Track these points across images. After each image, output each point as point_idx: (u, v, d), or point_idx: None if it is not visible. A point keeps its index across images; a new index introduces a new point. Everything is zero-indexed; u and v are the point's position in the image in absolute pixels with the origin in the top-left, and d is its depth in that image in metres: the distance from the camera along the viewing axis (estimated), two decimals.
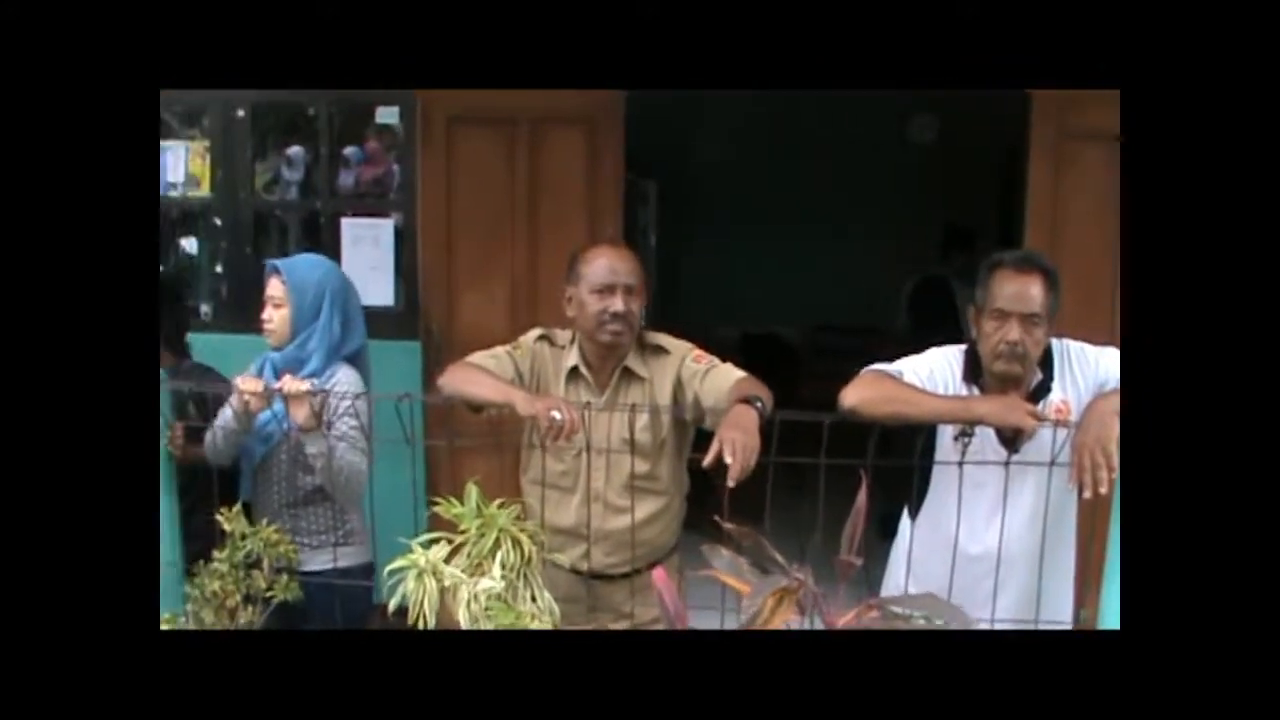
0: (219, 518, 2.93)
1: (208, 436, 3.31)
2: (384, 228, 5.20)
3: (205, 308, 5.40)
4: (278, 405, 3.17)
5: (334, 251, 5.20)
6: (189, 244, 5.66)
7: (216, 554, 2.90)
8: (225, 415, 3.25)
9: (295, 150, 5.50)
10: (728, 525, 2.38)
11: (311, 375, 3.24)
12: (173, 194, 5.55)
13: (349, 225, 5.24)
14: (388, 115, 5.23)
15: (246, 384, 3.09)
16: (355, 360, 3.40)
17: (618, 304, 3.05)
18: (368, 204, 5.34)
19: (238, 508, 2.95)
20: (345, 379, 3.29)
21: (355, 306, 3.44)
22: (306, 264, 3.46)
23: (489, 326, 4.93)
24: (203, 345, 4.02)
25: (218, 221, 5.46)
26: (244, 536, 2.92)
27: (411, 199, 5.16)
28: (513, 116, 4.94)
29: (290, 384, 3.08)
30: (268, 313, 3.35)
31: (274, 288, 3.34)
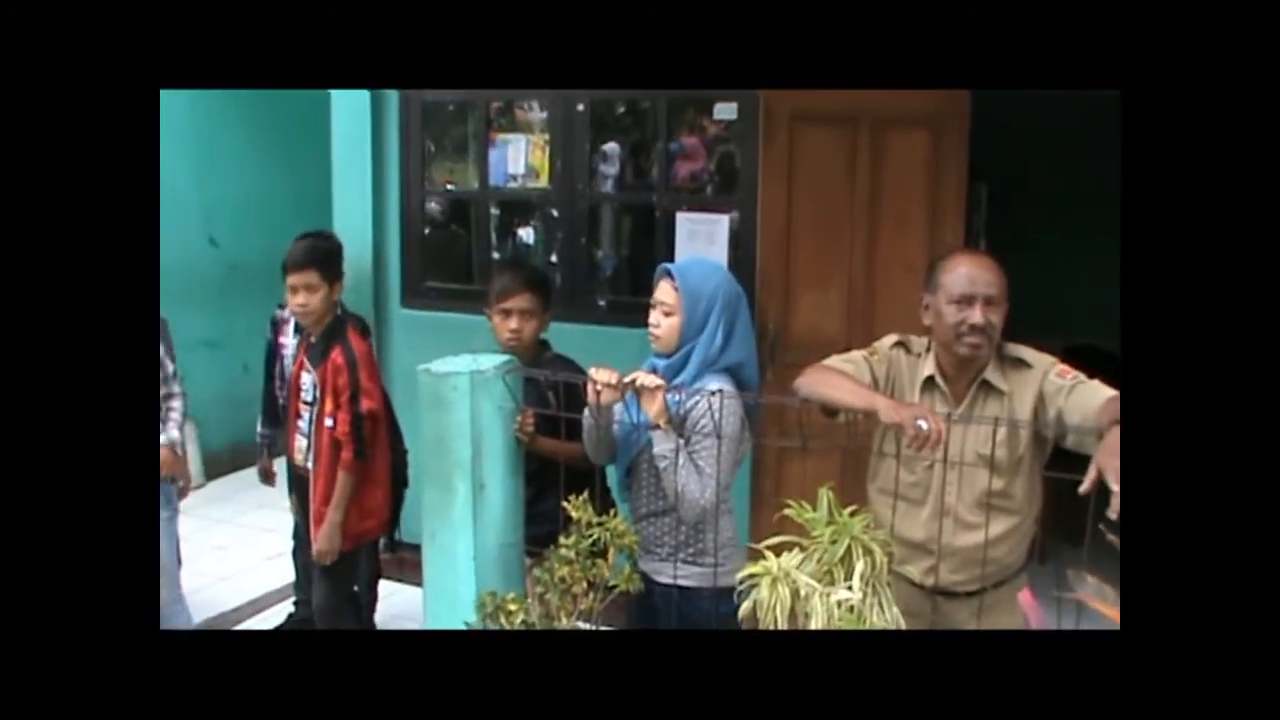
0: (566, 505, 2.97)
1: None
2: (719, 223, 5.19)
3: None
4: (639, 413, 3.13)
5: (667, 245, 5.24)
6: (526, 234, 5.83)
7: (563, 540, 2.94)
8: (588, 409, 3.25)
9: (611, 146, 5.60)
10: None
11: (681, 385, 3.12)
12: (512, 185, 5.74)
13: (684, 220, 5.26)
14: (726, 111, 5.22)
15: (600, 374, 3.08)
16: (736, 374, 3.22)
17: (976, 316, 2.93)
18: (704, 199, 5.35)
19: (584, 496, 2.98)
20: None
21: (743, 319, 3.26)
22: (702, 270, 3.30)
23: (825, 328, 4.89)
24: None
25: (554, 213, 5.60)
26: (590, 525, 2.95)
27: (750, 196, 5.13)
28: (855, 116, 4.85)
29: (644, 377, 3.07)
30: (655, 318, 3.24)
31: (664, 293, 3.23)
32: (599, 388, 3.08)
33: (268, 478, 5.12)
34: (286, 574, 5.34)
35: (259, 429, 5.11)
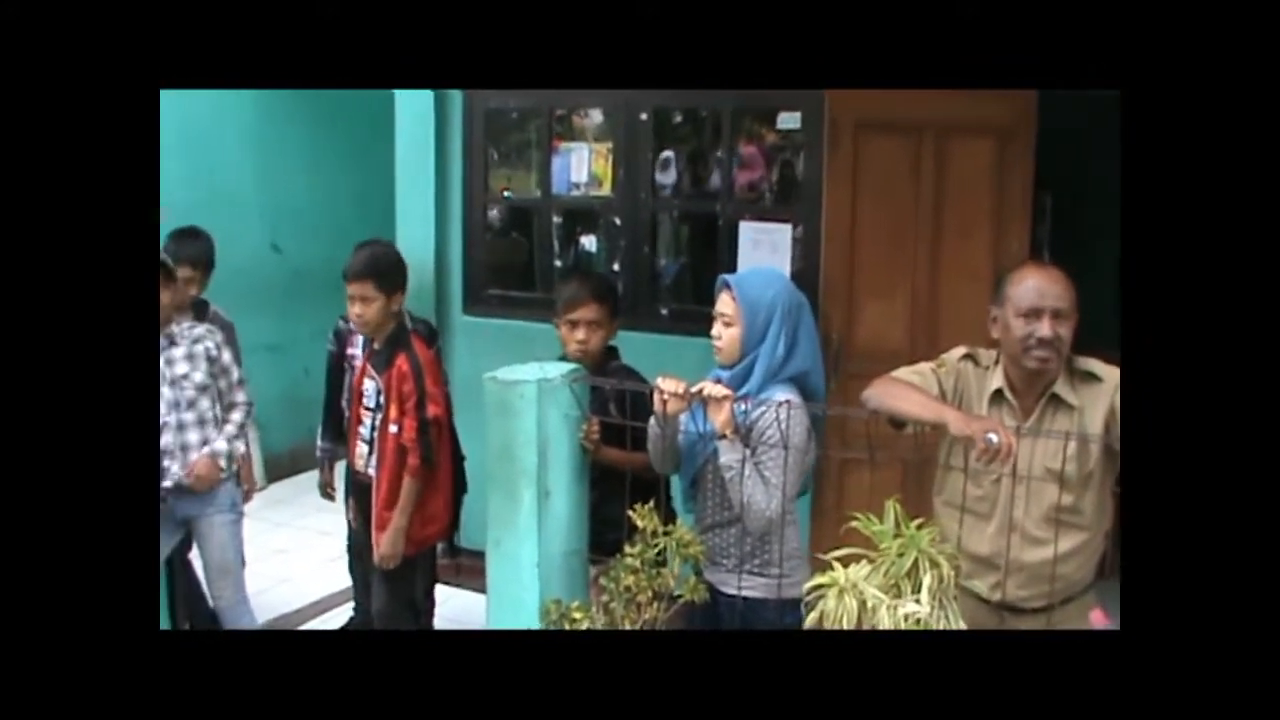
0: (631, 514, 2.97)
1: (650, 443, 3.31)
2: (782, 233, 5.16)
3: None
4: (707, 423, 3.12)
5: (730, 254, 5.24)
6: (588, 242, 5.84)
7: (628, 549, 2.94)
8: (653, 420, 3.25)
9: (666, 155, 5.59)
10: None
11: (746, 395, 3.11)
12: (575, 193, 5.75)
13: (747, 229, 5.24)
14: (789, 121, 5.20)
15: (666, 384, 3.08)
16: (802, 383, 3.20)
17: (1044, 329, 2.90)
18: (767, 208, 5.33)
19: (649, 505, 2.98)
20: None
21: (806, 327, 3.24)
22: (760, 281, 3.28)
23: (888, 337, 4.87)
24: None
25: (617, 221, 5.61)
26: (655, 534, 2.95)
27: (813, 205, 5.10)
28: (920, 124, 4.81)
29: (710, 387, 3.07)
30: (716, 329, 3.24)
31: (724, 304, 3.22)
32: (665, 397, 3.08)
33: (328, 492, 5.14)
34: (347, 577, 5.37)
35: (319, 443, 5.11)
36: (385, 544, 4.28)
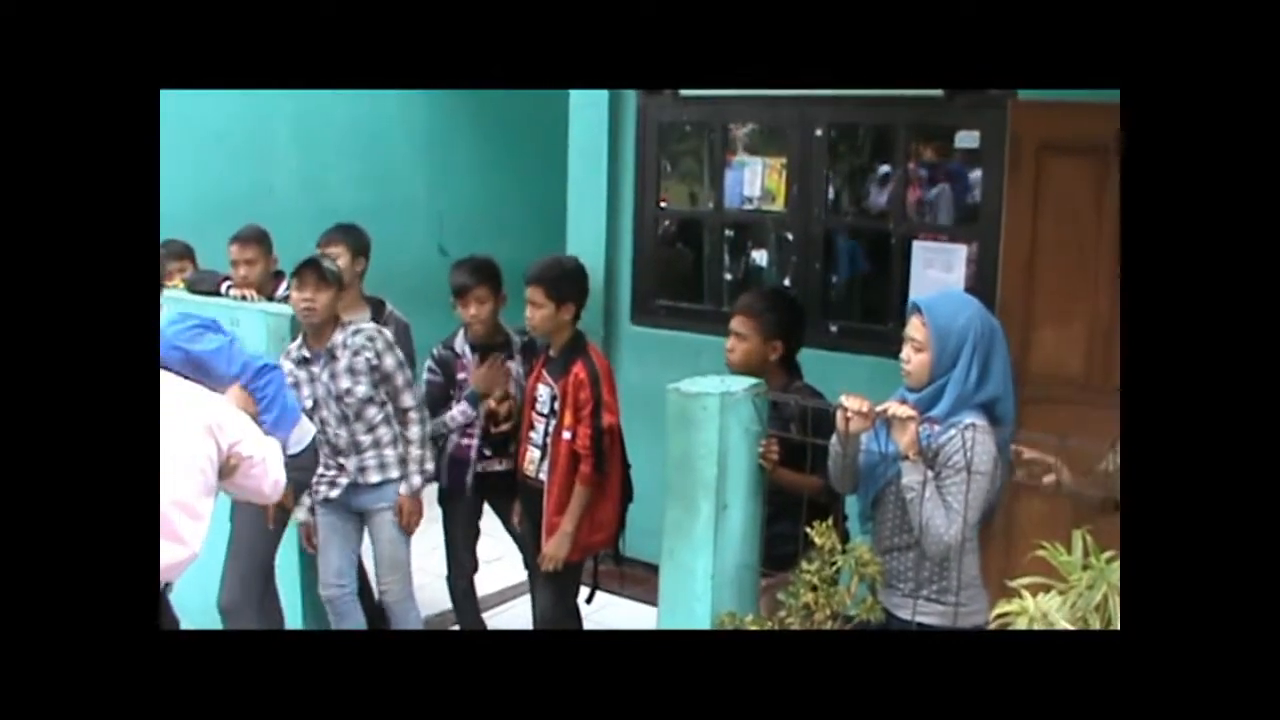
0: (809, 531, 2.97)
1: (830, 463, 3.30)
2: (956, 253, 5.11)
3: None
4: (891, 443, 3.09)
5: (903, 273, 5.20)
6: (759, 256, 5.85)
7: (805, 565, 2.94)
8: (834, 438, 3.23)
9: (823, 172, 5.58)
10: None
11: (932, 417, 3.05)
12: (747, 207, 5.79)
13: (920, 248, 5.20)
14: (968, 140, 5.14)
15: (851, 402, 3.07)
16: (991, 409, 3.12)
17: None
18: (942, 227, 5.30)
19: (828, 522, 2.97)
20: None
21: (999, 353, 3.14)
22: (952, 306, 3.20)
23: (1065, 363, 4.77)
24: None
25: (789, 236, 5.61)
26: (832, 552, 2.94)
27: (989, 225, 5.03)
28: (1105, 145, 4.69)
29: (896, 407, 3.04)
30: (906, 353, 3.17)
31: (915, 329, 3.16)
32: (849, 415, 3.07)
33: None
34: (502, 578, 5.41)
35: None
36: (551, 546, 4.33)
